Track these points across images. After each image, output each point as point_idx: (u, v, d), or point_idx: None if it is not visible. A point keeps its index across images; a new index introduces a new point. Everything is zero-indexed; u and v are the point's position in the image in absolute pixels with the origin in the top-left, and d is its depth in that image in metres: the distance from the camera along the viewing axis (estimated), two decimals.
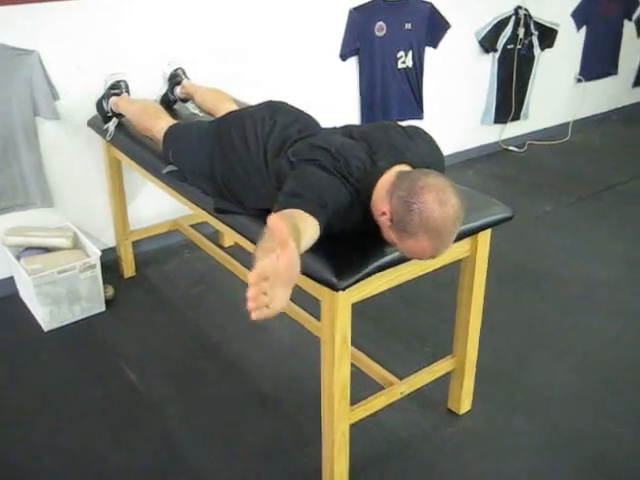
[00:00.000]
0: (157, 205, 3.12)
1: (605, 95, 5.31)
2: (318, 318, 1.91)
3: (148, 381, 2.42)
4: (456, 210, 1.53)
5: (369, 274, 1.67)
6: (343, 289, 1.63)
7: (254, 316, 1.10)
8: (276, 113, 2.03)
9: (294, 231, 1.31)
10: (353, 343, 1.92)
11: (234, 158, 1.96)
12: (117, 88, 2.62)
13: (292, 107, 2.11)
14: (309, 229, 1.45)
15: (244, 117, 2.04)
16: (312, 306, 2.05)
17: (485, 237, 1.98)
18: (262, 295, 1.08)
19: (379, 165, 1.65)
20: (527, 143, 4.76)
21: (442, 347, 2.25)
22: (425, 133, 1.86)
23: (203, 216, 2.21)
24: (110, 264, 3.02)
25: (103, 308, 2.80)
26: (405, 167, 1.67)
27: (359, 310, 1.85)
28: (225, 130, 2.04)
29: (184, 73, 2.76)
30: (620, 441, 2.18)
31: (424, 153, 1.77)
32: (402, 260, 1.72)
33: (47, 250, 2.79)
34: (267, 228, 1.18)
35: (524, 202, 3.87)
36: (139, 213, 3.12)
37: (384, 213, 1.58)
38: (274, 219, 1.09)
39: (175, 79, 2.74)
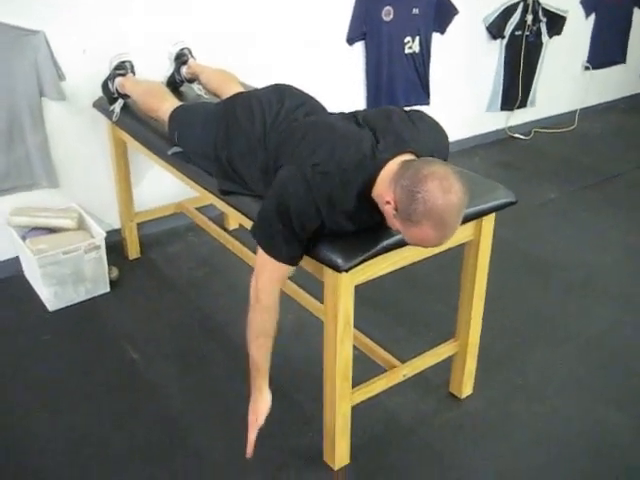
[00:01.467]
0: (162, 187, 3.13)
1: (613, 84, 5.29)
2: (321, 300, 1.91)
3: (151, 362, 2.43)
4: (460, 198, 1.53)
5: (372, 256, 1.68)
6: (346, 270, 1.63)
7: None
8: (283, 96, 2.02)
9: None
10: (357, 327, 1.93)
11: (240, 139, 1.96)
12: (122, 69, 2.61)
13: (299, 90, 2.11)
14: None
15: (251, 99, 2.04)
16: (315, 289, 2.05)
17: (489, 221, 1.98)
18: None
19: (379, 157, 1.65)
20: (533, 130, 4.75)
21: (446, 331, 2.26)
22: (428, 117, 1.85)
23: (208, 198, 2.22)
24: (115, 246, 3.03)
25: (107, 289, 2.82)
26: (409, 156, 1.66)
27: (363, 294, 1.86)
28: (231, 111, 2.04)
29: (190, 53, 2.75)
30: (619, 426, 2.19)
31: (427, 139, 1.76)
32: (406, 242, 1.72)
33: (52, 231, 2.80)
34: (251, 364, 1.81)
35: (529, 189, 3.87)
36: (144, 195, 3.13)
37: (388, 202, 1.58)
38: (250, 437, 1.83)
39: (181, 59, 2.73)
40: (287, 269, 1.71)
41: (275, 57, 3.34)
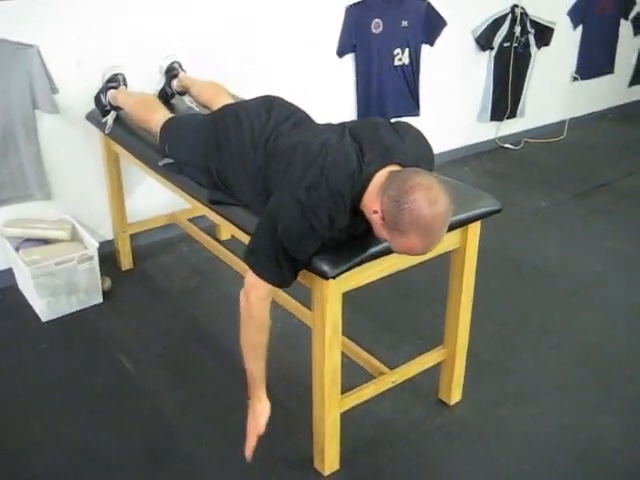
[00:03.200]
0: (155, 198, 3.15)
1: (601, 94, 5.34)
2: (310, 308, 1.94)
3: (144, 371, 2.45)
4: (445, 207, 1.57)
5: (360, 263, 1.71)
6: (334, 277, 1.67)
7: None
8: (271, 107, 2.05)
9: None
10: (346, 334, 1.96)
11: (229, 150, 1.99)
12: (115, 81, 2.65)
13: (287, 102, 2.14)
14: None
15: (240, 110, 2.07)
16: (304, 297, 2.08)
17: (475, 229, 2.01)
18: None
19: (366, 171, 1.67)
20: (523, 141, 4.79)
21: (435, 339, 2.28)
22: (413, 128, 1.89)
23: (198, 208, 2.25)
24: (108, 256, 3.06)
25: (100, 299, 2.84)
26: (395, 167, 1.70)
27: (353, 302, 1.89)
28: (221, 122, 2.08)
29: (180, 66, 2.80)
30: (608, 432, 2.21)
31: (413, 150, 1.79)
32: (392, 250, 1.75)
33: (46, 242, 2.82)
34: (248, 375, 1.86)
35: (519, 198, 3.91)
36: (137, 206, 3.15)
37: (376, 212, 1.62)
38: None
39: (172, 72, 2.77)
40: (277, 289, 1.75)
41: (265, 70, 3.38)
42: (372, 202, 1.63)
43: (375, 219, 1.63)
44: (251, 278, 1.73)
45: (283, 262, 1.67)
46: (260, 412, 1.88)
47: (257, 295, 1.75)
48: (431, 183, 1.57)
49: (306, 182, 1.66)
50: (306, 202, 1.63)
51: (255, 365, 1.84)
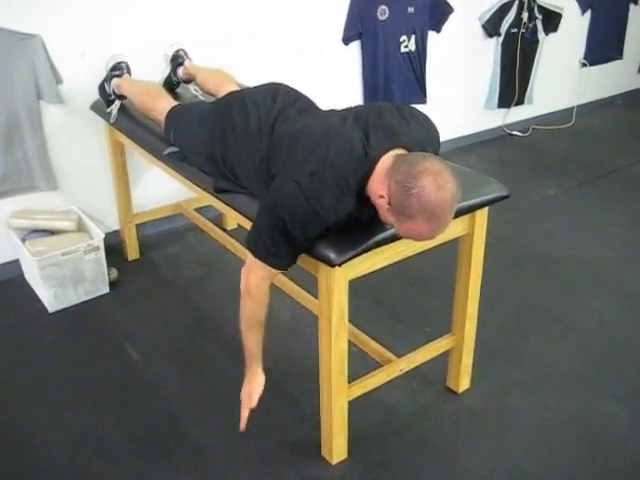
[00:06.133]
0: (161, 188, 3.15)
1: (610, 80, 5.30)
2: (317, 297, 1.93)
3: (151, 361, 2.45)
4: (453, 193, 1.55)
5: (366, 250, 1.69)
6: (340, 265, 1.65)
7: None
8: (277, 94, 2.04)
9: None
10: (353, 322, 1.95)
11: (234, 137, 1.98)
12: (118, 69, 2.63)
13: (292, 89, 2.12)
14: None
15: (245, 97, 2.06)
16: (312, 286, 2.07)
17: (482, 216, 1.99)
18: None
19: (372, 155, 1.66)
20: (531, 128, 4.76)
21: (443, 327, 2.26)
22: (418, 112, 1.87)
23: (204, 197, 2.23)
24: (114, 247, 3.05)
25: (107, 290, 2.84)
26: (401, 151, 1.68)
27: (360, 290, 1.87)
28: (226, 109, 2.06)
29: (186, 54, 2.78)
30: (615, 420, 2.20)
31: (418, 133, 1.78)
32: (399, 237, 1.73)
33: (52, 233, 2.82)
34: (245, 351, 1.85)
35: (527, 186, 3.88)
36: (143, 196, 3.15)
37: (382, 196, 1.60)
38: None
39: (177, 60, 2.75)
40: (277, 271, 1.74)
41: (271, 57, 3.36)
42: (378, 187, 1.62)
43: (381, 204, 1.61)
44: (251, 259, 1.73)
45: (283, 246, 1.66)
46: (255, 386, 1.89)
47: (256, 276, 1.75)
48: (440, 168, 1.55)
49: (310, 167, 1.65)
50: (310, 187, 1.62)
51: (252, 341, 1.84)
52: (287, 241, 1.65)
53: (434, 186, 1.52)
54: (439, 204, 1.53)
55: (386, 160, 1.64)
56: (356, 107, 1.89)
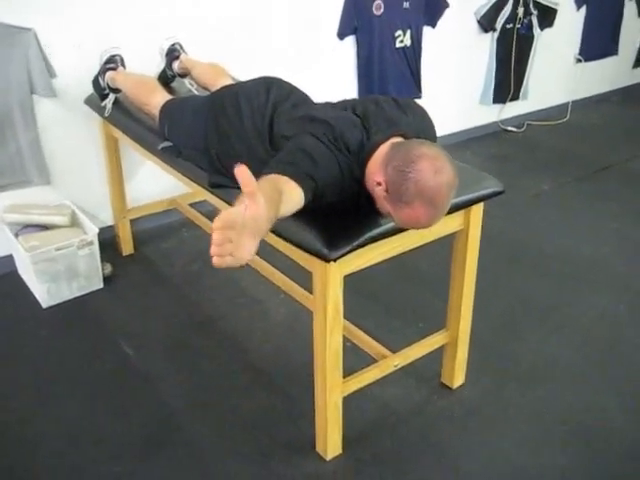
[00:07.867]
0: (155, 183, 3.13)
1: (605, 76, 5.30)
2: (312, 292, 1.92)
3: (145, 356, 2.44)
4: (450, 177, 1.55)
5: (361, 245, 1.68)
6: (334, 260, 1.64)
7: (216, 263, 1.09)
8: (270, 87, 2.03)
9: (275, 193, 1.32)
10: (348, 318, 1.94)
11: (228, 131, 1.97)
12: (113, 62, 2.62)
13: (286, 82, 2.12)
14: (293, 195, 1.46)
15: (238, 91, 2.05)
16: (307, 282, 2.07)
17: (478, 211, 1.99)
18: (227, 243, 1.08)
19: (373, 139, 1.67)
20: (526, 123, 4.76)
21: (438, 322, 2.26)
22: (416, 104, 1.88)
23: (199, 192, 2.22)
24: (109, 242, 3.04)
25: (101, 285, 2.82)
26: (399, 139, 1.69)
27: (355, 286, 1.87)
28: (219, 104, 2.05)
29: (181, 48, 2.76)
30: (609, 414, 2.20)
31: (416, 124, 1.79)
32: (394, 232, 1.73)
33: (45, 228, 2.81)
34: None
35: (522, 181, 3.88)
36: (137, 191, 3.13)
37: (379, 184, 1.60)
38: (242, 170, 1.08)
39: (173, 54, 2.74)
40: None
41: (266, 52, 3.35)
42: (375, 173, 1.62)
43: (378, 192, 1.61)
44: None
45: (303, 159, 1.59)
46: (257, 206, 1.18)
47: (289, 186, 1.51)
48: (437, 153, 1.56)
49: (313, 114, 1.69)
50: (317, 132, 1.64)
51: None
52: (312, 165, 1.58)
53: (431, 170, 1.52)
54: (437, 188, 1.53)
55: (384, 147, 1.65)
56: (353, 99, 1.89)
